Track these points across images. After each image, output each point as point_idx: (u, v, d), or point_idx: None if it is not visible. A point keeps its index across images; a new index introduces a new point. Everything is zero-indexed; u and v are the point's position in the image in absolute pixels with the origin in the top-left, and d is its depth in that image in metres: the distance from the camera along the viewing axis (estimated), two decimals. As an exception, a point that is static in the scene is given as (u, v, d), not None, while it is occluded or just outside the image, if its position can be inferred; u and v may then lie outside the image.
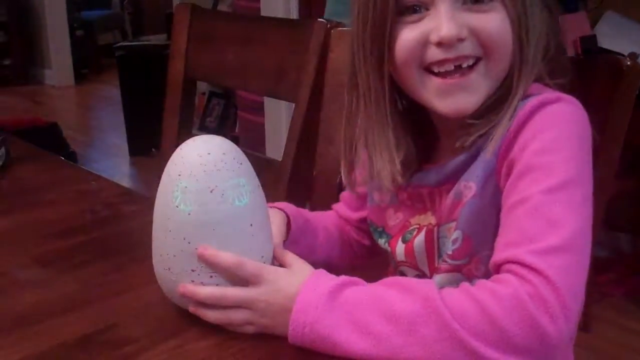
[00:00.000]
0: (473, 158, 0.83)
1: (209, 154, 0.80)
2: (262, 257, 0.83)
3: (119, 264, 0.97)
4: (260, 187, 0.84)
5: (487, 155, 0.81)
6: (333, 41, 1.31)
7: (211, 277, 0.80)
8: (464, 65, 0.83)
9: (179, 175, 0.79)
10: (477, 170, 0.82)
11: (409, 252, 0.91)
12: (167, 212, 0.80)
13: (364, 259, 1.08)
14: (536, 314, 0.69)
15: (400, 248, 0.93)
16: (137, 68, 4.14)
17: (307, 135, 1.38)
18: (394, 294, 0.74)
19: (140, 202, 1.19)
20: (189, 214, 0.79)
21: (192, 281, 0.80)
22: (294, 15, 3.19)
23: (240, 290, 0.79)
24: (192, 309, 0.81)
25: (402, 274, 0.94)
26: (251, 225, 0.81)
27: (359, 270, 1.07)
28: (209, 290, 0.79)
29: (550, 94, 0.82)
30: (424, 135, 0.93)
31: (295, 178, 1.40)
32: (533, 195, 0.75)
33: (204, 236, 0.79)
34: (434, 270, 0.90)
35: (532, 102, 0.80)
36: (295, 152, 1.40)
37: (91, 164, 4.18)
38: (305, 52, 1.37)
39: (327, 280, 0.78)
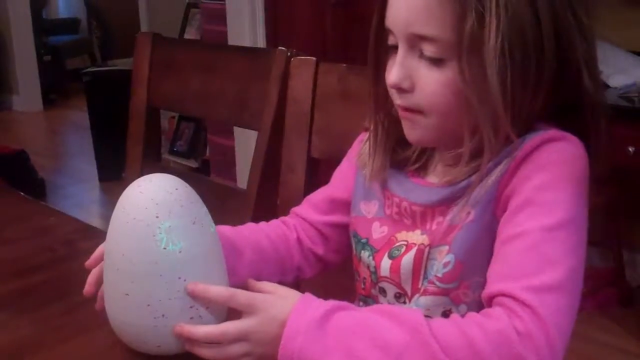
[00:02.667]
0: (474, 184, 0.84)
1: (176, 189, 0.81)
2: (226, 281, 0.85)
3: (76, 304, 0.95)
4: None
5: (488, 183, 0.82)
6: (293, 70, 1.31)
7: (207, 308, 0.80)
8: None
9: (157, 216, 0.78)
10: (477, 197, 0.83)
11: (395, 269, 0.91)
12: (153, 257, 0.78)
13: (310, 270, 1.05)
14: (523, 351, 0.70)
15: (385, 263, 0.92)
16: (105, 93, 4.12)
17: (270, 163, 1.37)
18: (383, 322, 0.75)
19: (98, 237, 1.17)
20: (180, 251, 0.78)
21: (191, 318, 0.79)
22: (261, 39, 3.20)
23: (238, 323, 0.79)
24: (188, 347, 0.80)
25: (382, 290, 0.94)
26: (221, 247, 0.84)
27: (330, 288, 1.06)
28: (206, 329, 0.79)
29: (556, 131, 0.82)
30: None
31: (260, 206, 1.39)
32: (531, 231, 0.76)
33: (196, 270, 0.79)
34: (416, 291, 0.89)
35: (538, 137, 0.81)
36: (260, 180, 1.39)
37: (60, 190, 4.15)
38: (267, 80, 1.37)
39: (316, 306, 0.78)
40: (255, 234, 1.02)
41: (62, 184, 4.28)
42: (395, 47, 0.86)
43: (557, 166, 0.79)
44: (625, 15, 2.75)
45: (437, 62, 0.82)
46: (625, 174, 2.67)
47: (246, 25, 3.19)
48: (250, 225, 1.04)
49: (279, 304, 0.79)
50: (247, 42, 3.18)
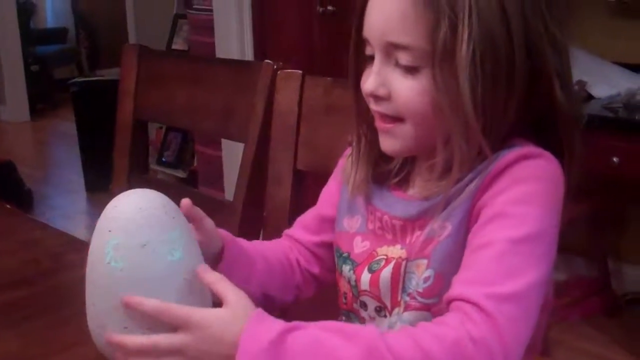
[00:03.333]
0: (450, 198, 0.85)
1: (140, 208, 0.80)
2: None
3: (62, 318, 0.96)
4: (195, 240, 0.84)
5: (464, 197, 0.83)
6: (279, 83, 1.32)
7: (143, 333, 0.78)
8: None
9: (110, 231, 0.79)
10: (454, 211, 0.84)
11: (374, 282, 0.91)
12: (99, 269, 0.79)
13: (308, 289, 1.05)
14: (477, 358, 0.71)
15: (365, 277, 0.93)
16: (93, 104, 4.13)
17: (257, 175, 1.38)
18: (338, 342, 0.74)
19: (84, 250, 1.17)
20: (121, 270, 0.78)
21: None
22: (249, 50, 3.21)
23: (171, 337, 0.77)
24: (119, 356, 0.79)
25: (363, 303, 0.94)
26: (184, 279, 0.81)
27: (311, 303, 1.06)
28: (136, 339, 0.78)
29: (532, 148, 0.83)
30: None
31: (246, 219, 1.40)
32: (499, 242, 0.78)
33: (136, 293, 0.78)
34: (395, 304, 0.90)
35: (514, 152, 0.82)
36: (246, 192, 1.40)
37: (47, 200, 4.15)
38: (254, 92, 1.39)
39: (267, 327, 0.76)
40: (263, 247, 1.03)
41: (49, 195, 4.28)
42: (373, 57, 0.88)
43: (531, 182, 0.80)
44: (610, 26, 2.77)
45: (411, 70, 0.84)
46: (610, 184, 2.69)
47: (234, 36, 3.20)
48: (256, 241, 1.05)
49: (221, 321, 0.77)
50: (235, 53, 3.19)
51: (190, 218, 0.88)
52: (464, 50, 0.79)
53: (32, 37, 6.51)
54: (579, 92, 2.53)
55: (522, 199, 0.79)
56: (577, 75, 2.69)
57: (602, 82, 2.63)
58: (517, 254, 0.77)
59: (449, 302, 0.78)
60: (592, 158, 2.73)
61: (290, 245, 1.06)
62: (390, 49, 0.85)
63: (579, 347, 2.51)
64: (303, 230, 1.06)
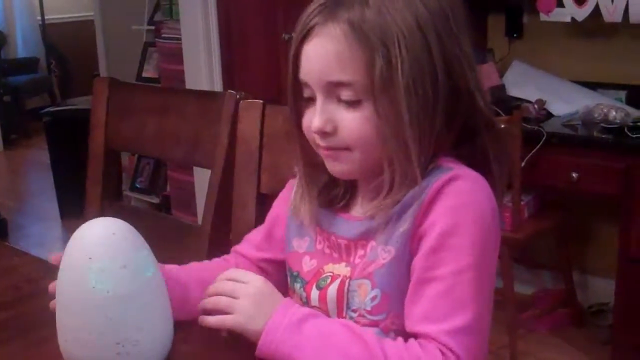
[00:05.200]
0: (391, 221, 0.92)
1: (113, 234, 0.86)
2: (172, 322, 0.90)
3: (42, 338, 1.00)
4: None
5: (402, 223, 0.90)
6: (241, 112, 1.37)
7: (134, 345, 0.85)
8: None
9: (90, 258, 0.85)
10: (396, 235, 0.91)
11: (323, 298, 0.98)
12: (83, 295, 0.85)
13: None
14: None
15: (314, 294, 0.99)
16: (65, 133, 4.14)
17: (223, 200, 1.43)
18: (346, 337, 0.87)
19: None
20: (108, 291, 0.84)
21: (118, 353, 0.85)
22: (217, 77, 3.25)
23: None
24: None
25: None
26: (162, 292, 0.89)
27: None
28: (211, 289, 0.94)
29: (458, 169, 0.91)
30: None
31: (215, 241, 1.44)
32: (443, 277, 0.86)
33: (125, 310, 0.85)
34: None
35: (442, 178, 0.89)
36: (213, 216, 1.45)
37: (22, 229, 4.14)
38: (219, 121, 1.44)
39: (295, 310, 0.90)
40: (201, 269, 1.09)
41: (23, 224, 4.27)
42: (311, 98, 0.94)
43: (461, 210, 0.88)
44: (567, 46, 2.84)
45: (353, 103, 0.91)
46: (571, 199, 2.76)
47: (203, 63, 3.23)
48: (194, 264, 1.12)
49: (267, 290, 0.94)
50: (204, 80, 3.22)
51: None
52: (400, 80, 0.86)
53: (3, 67, 6.50)
54: (539, 110, 2.61)
55: (454, 231, 0.87)
56: (536, 94, 2.77)
57: (561, 100, 2.69)
58: (460, 284, 0.86)
59: (414, 334, 0.87)
60: (553, 174, 2.80)
61: (237, 261, 1.12)
62: (331, 87, 0.91)
63: (547, 358, 2.56)
64: (250, 246, 1.13)
